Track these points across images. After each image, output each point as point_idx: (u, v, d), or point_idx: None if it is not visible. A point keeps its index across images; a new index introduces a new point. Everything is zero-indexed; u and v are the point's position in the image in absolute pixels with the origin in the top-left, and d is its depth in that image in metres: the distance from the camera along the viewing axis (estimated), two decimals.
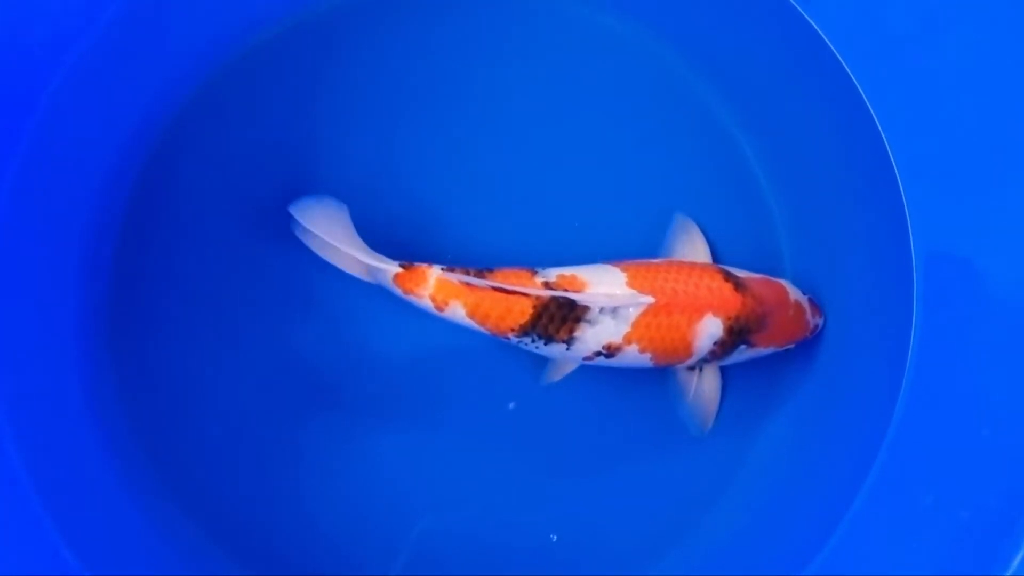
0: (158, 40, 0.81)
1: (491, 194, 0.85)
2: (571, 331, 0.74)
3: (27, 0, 0.73)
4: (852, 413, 0.81)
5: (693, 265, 0.79)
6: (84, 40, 0.77)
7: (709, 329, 0.76)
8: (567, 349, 0.75)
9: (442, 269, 0.75)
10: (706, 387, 0.82)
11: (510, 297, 0.73)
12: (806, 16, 0.82)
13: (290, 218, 0.78)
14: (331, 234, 0.76)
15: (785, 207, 0.86)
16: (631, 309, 0.74)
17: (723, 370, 0.84)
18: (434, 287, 0.74)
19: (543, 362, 0.81)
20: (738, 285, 0.78)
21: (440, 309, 0.75)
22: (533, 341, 0.75)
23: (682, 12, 0.86)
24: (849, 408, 0.82)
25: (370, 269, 0.76)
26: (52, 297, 0.79)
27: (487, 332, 0.76)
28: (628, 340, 0.75)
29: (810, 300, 0.82)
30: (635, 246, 0.84)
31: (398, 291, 0.76)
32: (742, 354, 0.80)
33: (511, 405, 0.83)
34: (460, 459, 0.84)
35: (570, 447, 0.84)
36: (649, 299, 0.74)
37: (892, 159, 0.79)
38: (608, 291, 0.74)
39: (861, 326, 0.83)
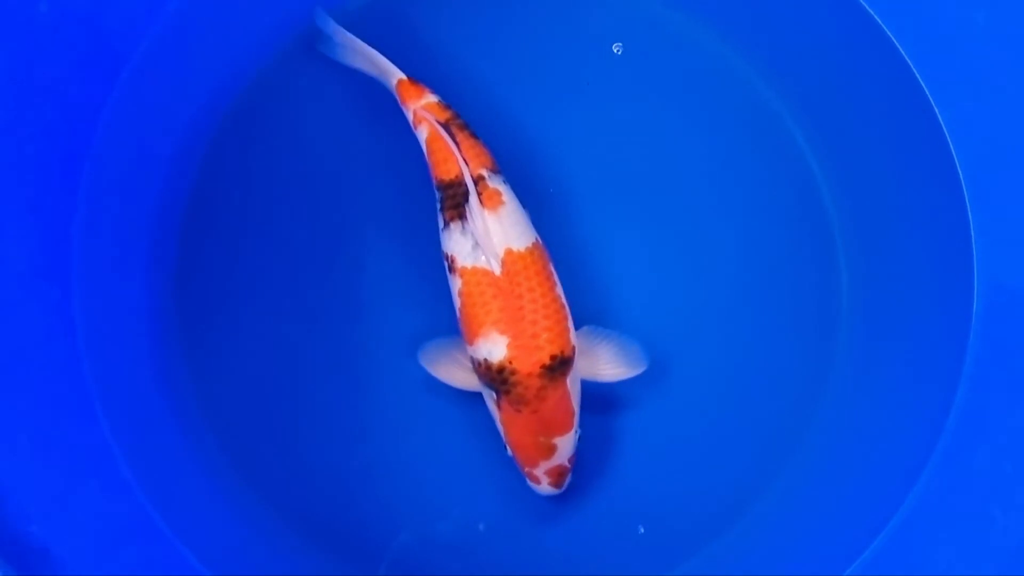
0: (229, 18, 0.85)
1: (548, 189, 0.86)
2: (452, 218, 0.78)
3: None
4: (905, 415, 0.81)
5: (565, 313, 0.77)
6: (158, 23, 0.83)
7: (492, 339, 0.75)
8: (442, 228, 0.79)
9: (438, 101, 0.81)
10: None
11: (453, 154, 0.78)
12: (887, 30, 0.83)
13: (317, 24, 0.84)
14: (353, 40, 0.84)
15: (847, 222, 0.85)
16: (482, 256, 0.76)
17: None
18: (421, 107, 0.81)
19: None
20: (552, 368, 0.74)
21: (415, 126, 0.82)
22: (439, 200, 0.79)
23: (750, 13, 0.87)
24: (901, 410, 0.81)
25: (381, 71, 0.83)
26: (125, 286, 0.82)
27: (431, 172, 0.80)
28: (462, 272, 0.76)
29: (563, 469, 0.76)
30: (676, 245, 0.85)
31: (398, 97, 0.83)
32: (488, 402, 0.77)
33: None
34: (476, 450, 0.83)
35: (593, 444, 0.82)
36: (495, 266, 0.75)
37: (963, 183, 0.80)
38: (495, 231, 0.76)
39: (920, 320, 0.82)
